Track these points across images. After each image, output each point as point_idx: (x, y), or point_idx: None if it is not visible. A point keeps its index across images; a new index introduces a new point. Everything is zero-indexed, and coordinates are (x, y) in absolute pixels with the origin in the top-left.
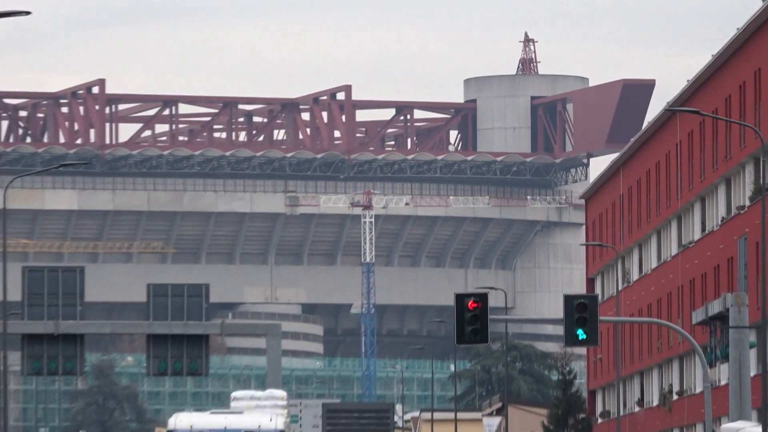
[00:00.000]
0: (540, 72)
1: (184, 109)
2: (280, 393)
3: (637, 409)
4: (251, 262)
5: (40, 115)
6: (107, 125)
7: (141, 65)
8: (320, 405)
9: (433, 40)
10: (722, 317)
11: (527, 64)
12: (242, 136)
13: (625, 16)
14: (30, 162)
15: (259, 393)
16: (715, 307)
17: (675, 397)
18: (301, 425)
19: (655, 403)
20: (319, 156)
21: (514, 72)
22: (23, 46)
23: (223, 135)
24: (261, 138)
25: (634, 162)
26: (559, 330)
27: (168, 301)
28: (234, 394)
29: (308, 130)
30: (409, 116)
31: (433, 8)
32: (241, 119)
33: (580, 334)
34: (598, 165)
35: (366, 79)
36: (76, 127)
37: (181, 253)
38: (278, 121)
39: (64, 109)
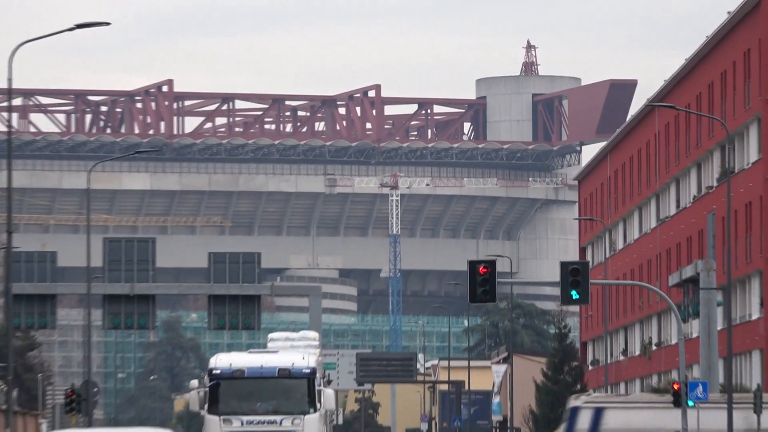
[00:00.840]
0: (540, 73)
1: (239, 104)
2: (313, 334)
3: (621, 357)
4: (296, 234)
5: (119, 109)
6: (175, 118)
7: (203, 68)
8: (354, 354)
9: (450, 47)
10: (694, 280)
11: (529, 67)
12: (288, 128)
13: (612, 26)
14: (110, 149)
15: (293, 334)
16: (687, 272)
17: (654, 347)
18: (338, 371)
19: (637, 352)
20: (353, 144)
21: (518, 73)
22: (104, 50)
23: (272, 127)
24: (304, 129)
25: (620, 149)
26: (556, 291)
27: (226, 267)
28: (271, 335)
29: (344, 122)
30: (429, 111)
31: (450, 19)
32: (288, 113)
33: (574, 294)
34: (589, 152)
35: (393, 79)
36: (148, 120)
37: (237, 227)
38: (318, 115)
39: (139, 105)
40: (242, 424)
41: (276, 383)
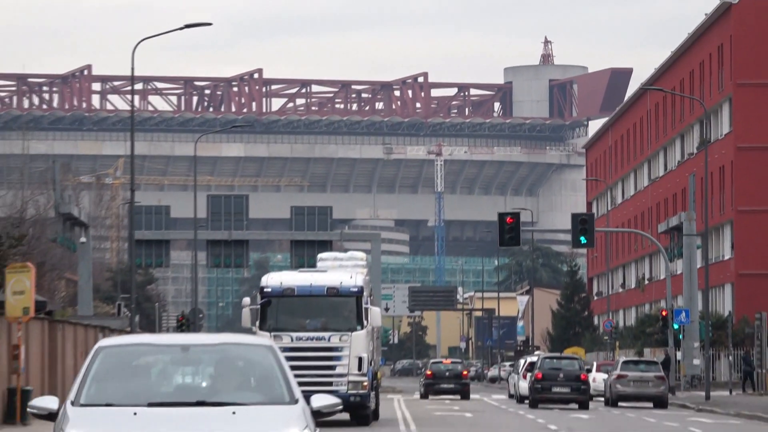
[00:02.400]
0: (555, 63)
1: (315, 88)
2: (360, 254)
3: (620, 290)
4: (360, 191)
5: (219, 92)
6: (263, 100)
7: (287, 59)
8: (407, 288)
9: (483, 42)
10: (678, 228)
11: (546, 58)
12: (354, 107)
13: (613, 25)
14: (211, 124)
15: (341, 254)
16: (673, 222)
17: (646, 282)
18: (394, 301)
19: (633, 286)
20: (405, 120)
21: (537, 63)
22: (208, 45)
23: (341, 106)
24: (366, 108)
25: (619, 123)
26: (568, 237)
27: (304, 218)
28: (320, 255)
29: (398, 102)
30: (466, 93)
31: (483, 21)
32: (353, 95)
33: (582, 239)
34: (594, 126)
35: (438, 68)
36: (242, 101)
37: (313, 186)
38: (378, 97)
39: (235, 89)
40: (292, 340)
41: (324, 301)
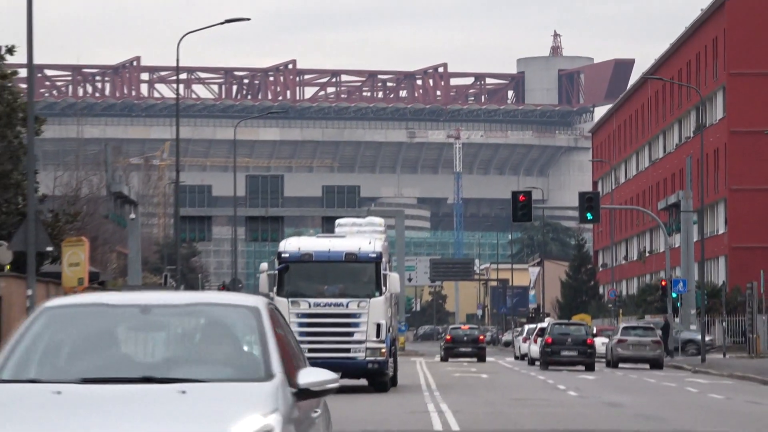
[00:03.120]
0: (564, 54)
1: (344, 78)
2: (379, 220)
3: (623, 262)
4: (385, 172)
5: (256, 81)
6: (297, 88)
7: (318, 51)
8: (428, 260)
9: (498, 34)
10: (676, 205)
11: (556, 50)
12: (380, 95)
13: (617, 20)
14: (250, 111)
15: (360, 220)
16: (672, 199)
17: (647, 254)
18: (416, 272)
19: (635, 258)
20: (427, 106)
21: (547, 54)
22: (246, 38)
23: (368, 94)
24: (391, 96)
25: (622, 110)
26: (576, 213)
27: (334, 196)
28: (338, 221)
29: (420, 90)
30: (482, 82)
31: (497, 15)
32: (379, 84)
33: (589, 215)
34: (600, 112)
35: (456, 58)
36: (278, 89)
37: (342, 167)
38: (402, 85)
39: (271, 78)
40: (309, 306)
41: (343, 267)
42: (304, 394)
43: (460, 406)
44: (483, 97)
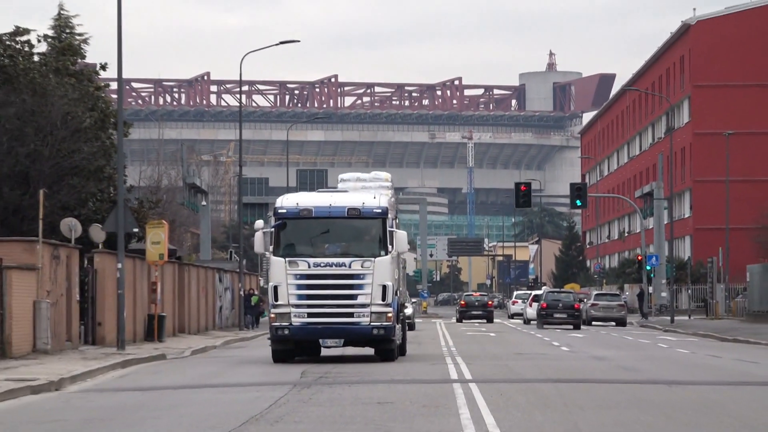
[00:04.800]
0: (558, 69)
1: (377, 89)
2: (385, 175)
3: (607, 240)
4: (411, 166)
5: (305, 92)
6: (338, 98)
7: (357, 67)
8: (446, 239)
9: (504, 53)
10: (650, 194)
11: (551, 66)
12: (407, 103)
13: (602, 42)
14: (300, 116)
15: (365, 174)
16: (646, 189)
17: (626, 234)
18: (436, 249)
19: (616, 237)
20: (445, 113)
21: (544, 69)
22: (297, 55)
23: (397, 102)
24: (416, 104)
25: (606, 115)
26: (568, 201)
27: None
28: (341, 176)
29: (440, 99)
30: (491, 92)
31: (503, 38)
32: (406, 94)
33: (578, 202)
34: (587, 117)
35: (469, 73)
36: (323, 98)
37: (376, 162)
38: (425, 95)
39: (317, 89)
40: (309, 266)
41: (345, 224)
42: None
43: (471, 358)
44: (491, 105)
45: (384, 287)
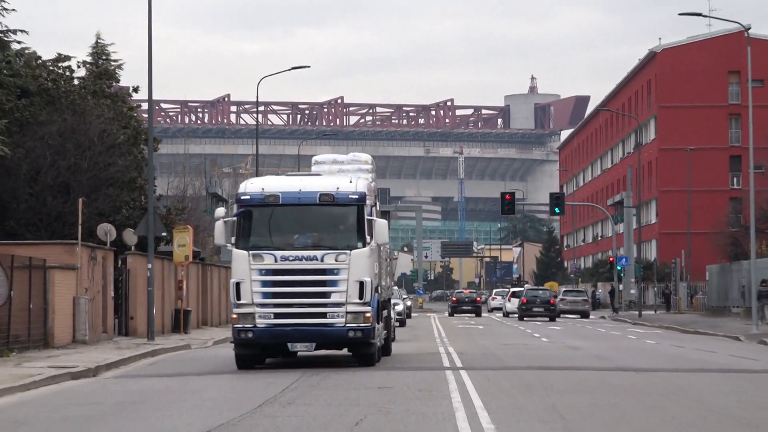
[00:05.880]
0: (539, 92)
1: (379, 109)
2: (365, 156)
3: (582, 243)
4: (408, 178)
5: (314, 112)
6: (344, 117)
7: (361, 90)
8: (440, 242)
9: (491, 77)
10: (620, 202)
11: (533, 89)
12: (405, 122)
13: (576, 68)
14: (310, 133)
15: (342, 156)
16: (617, 198)
17: (599, 238)
18: (431, 251)
19: (590, 240)
20: (438, 130)
21: (526, 92)
22: (308, 79)
23: (396, 121)
24: (413, 122)
25: (581, 133)
26: (547, 208)
27: None
28: (315, 157)
29: (434, 118)
30: (479, 112)
31: (490, 64)
32: (404, 114)
33: (557, 210)
34: (565, 134)
35: (460, 95)
36: (330, 117)
37: (377, 174)
38: (421, 114)
39: (325, 109)
40: (275, 260)
41: (317, 211)
42: None
43: (462, 348)
44: (479, 123)
45: (361, 283)
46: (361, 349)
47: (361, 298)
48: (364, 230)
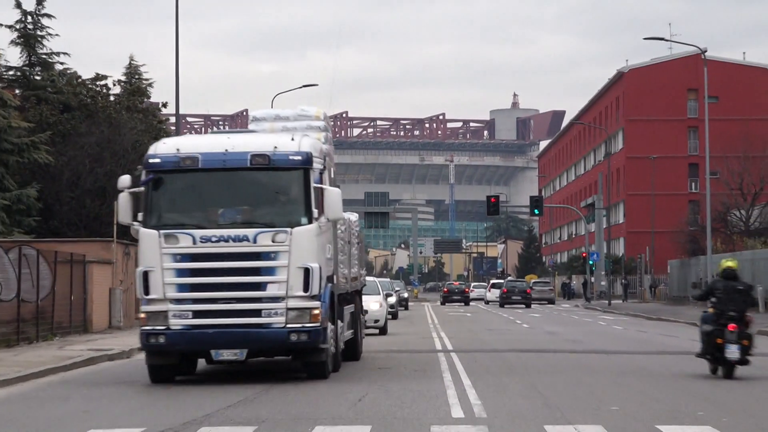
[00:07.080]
0: (520, 107)
1: (379, 123)
2: (316, 110)
3: (558, 241)
4: (405, 183)
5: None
6: (348, 129)
7: (363, 105)
8: (432, 240)
9: (478, 94)
10: (592, 204)
11: (515, 104)
12: (402, 133)
13: (553, 87)
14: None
15: (287, 111)
16: (589, 200)
17: (574, 236)
18: (425, 248)
19: (566, 238)
20: (431, 141)
21: (510, 107)
22: (314, 96)
23: (394, 133)
24: (409, 134)
25: (558, 143)
26: (528, 210)
27: (373, 198)
28: (253, 113)
29: (428, 131)
30: (468, 125)
31: (476, 84)
32: (401, 126)
33: (536, 211)
34: (543, 144)
35: (451, 110)
36: (336, 129)
37: (377, 179)
38: (416, 127)
39: (331, 122)
40: (194, 242)
41: (248, 178)
42: None
43: (452, 333)
44: (468, 135)
45: (307, 271)
46: (307, 356)
47: (306, 290)
48: (310, 202)
